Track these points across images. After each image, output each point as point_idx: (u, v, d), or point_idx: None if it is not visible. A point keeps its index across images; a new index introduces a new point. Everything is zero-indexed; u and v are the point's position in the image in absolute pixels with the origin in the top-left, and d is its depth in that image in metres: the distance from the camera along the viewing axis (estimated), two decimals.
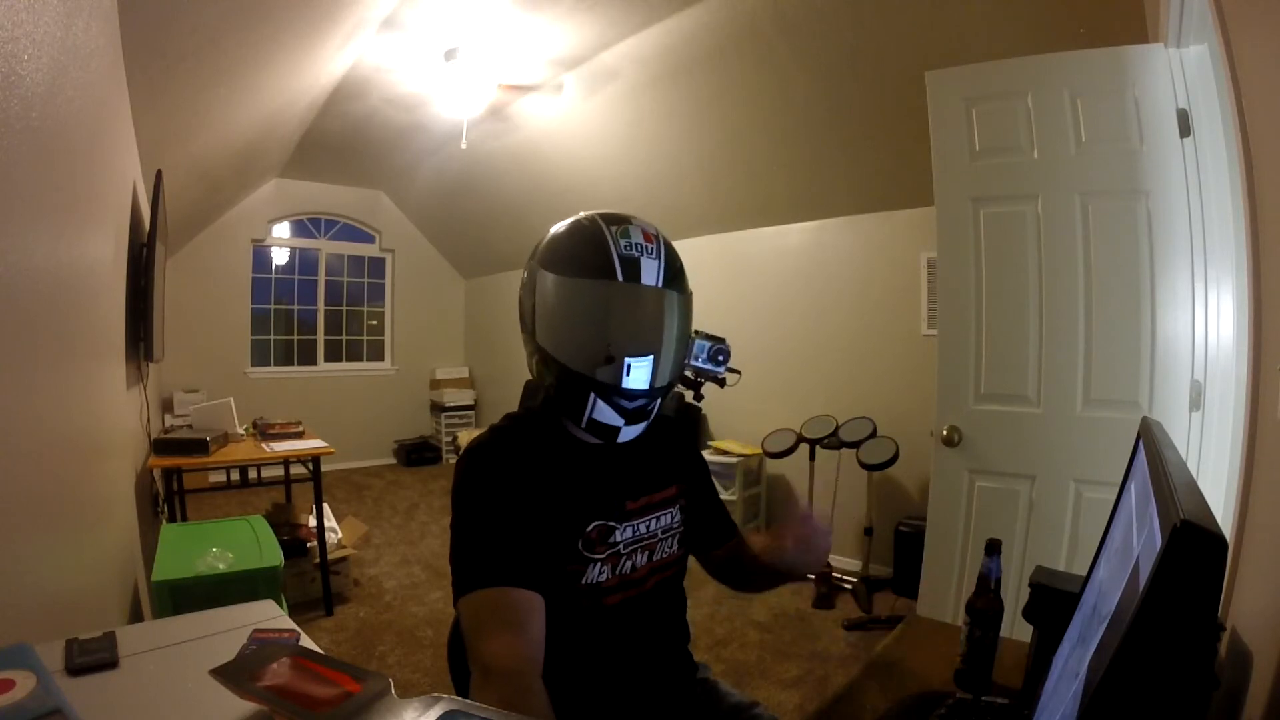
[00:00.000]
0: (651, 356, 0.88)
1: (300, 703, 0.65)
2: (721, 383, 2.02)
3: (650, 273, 0.86)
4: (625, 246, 0.86)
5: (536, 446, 0.92)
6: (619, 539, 0.94)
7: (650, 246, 0.88)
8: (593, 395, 0.87)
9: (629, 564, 0.95)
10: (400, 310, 6.60)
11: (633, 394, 0.87)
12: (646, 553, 0.97)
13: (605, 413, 0.88)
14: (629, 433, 0.91)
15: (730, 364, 1.98)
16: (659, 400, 0.92)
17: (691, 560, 1.10)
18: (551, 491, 0.89)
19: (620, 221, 0.89)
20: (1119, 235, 1.72)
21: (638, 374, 0.87)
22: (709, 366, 1.95)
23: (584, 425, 0.90)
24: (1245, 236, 1.11)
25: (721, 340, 1.96)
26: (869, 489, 3.34)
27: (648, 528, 0.97)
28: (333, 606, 2.96)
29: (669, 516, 1.00)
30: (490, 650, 0.75)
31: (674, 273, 0.90)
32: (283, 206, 5.83)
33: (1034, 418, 1.83)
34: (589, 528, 0.91)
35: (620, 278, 0.85)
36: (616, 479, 0.96)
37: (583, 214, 0.92)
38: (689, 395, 2.13)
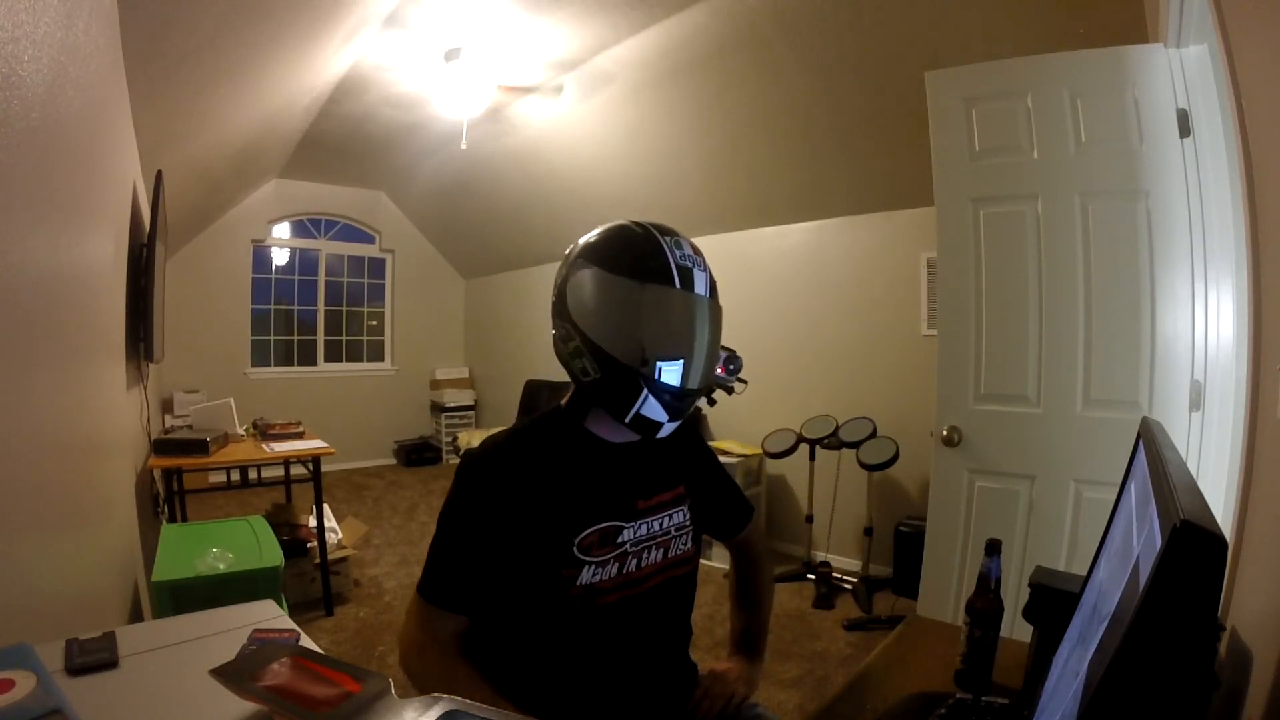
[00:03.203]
0: (701, 358, 0.94)
1: (300, 703, 0.65)
2: (730, 391, 2.11)
3: (701, 283, 0.93)
4: (680, 257, 0.92)
5: (537, 455, 0.95)
6: (626, 538, 0.96)
7: (698, 259, 0.94)
8: (645, 391, 0.91)
9: (635, 562, 0.97)
10: (400, 310, 6.59)
11: (683, 392, 0.93)
12: (661, 550, 1.01)
13: (653, 408, 0.93)
14: (667, 429, 0.95)
15: (740, 374, 2.08)
16: (696, 399, 0.98)
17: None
18: (545, 500, 0.92)
19: (670, 233, 0.94)
20: (1119, 235, 1.72)
21: (689, 373, 0.93)
22: (722, 375, 2.05)
23: (628, 420, 0.93)
24: (1245, 236, 1.11)
25: (733, 351, 2.05)
26: (869, 489, 3.34)
27: (660, 525, 1.01)
28: (333, 607, 2.96)
29: (680, 514, 1.04)
30: (406, 638, 0.93)
31: (714, 285, 0.97)
32: (283, 207, 5.82)
33: (1034, 418, 1.83)
34: (588, 531, 0.93)
35: (678, 285, 0.91)
36: (627, 479, 1.00)
37: (629, 220, 0.96)
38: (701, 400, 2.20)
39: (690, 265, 0.92)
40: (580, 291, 0.93)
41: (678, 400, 0.93)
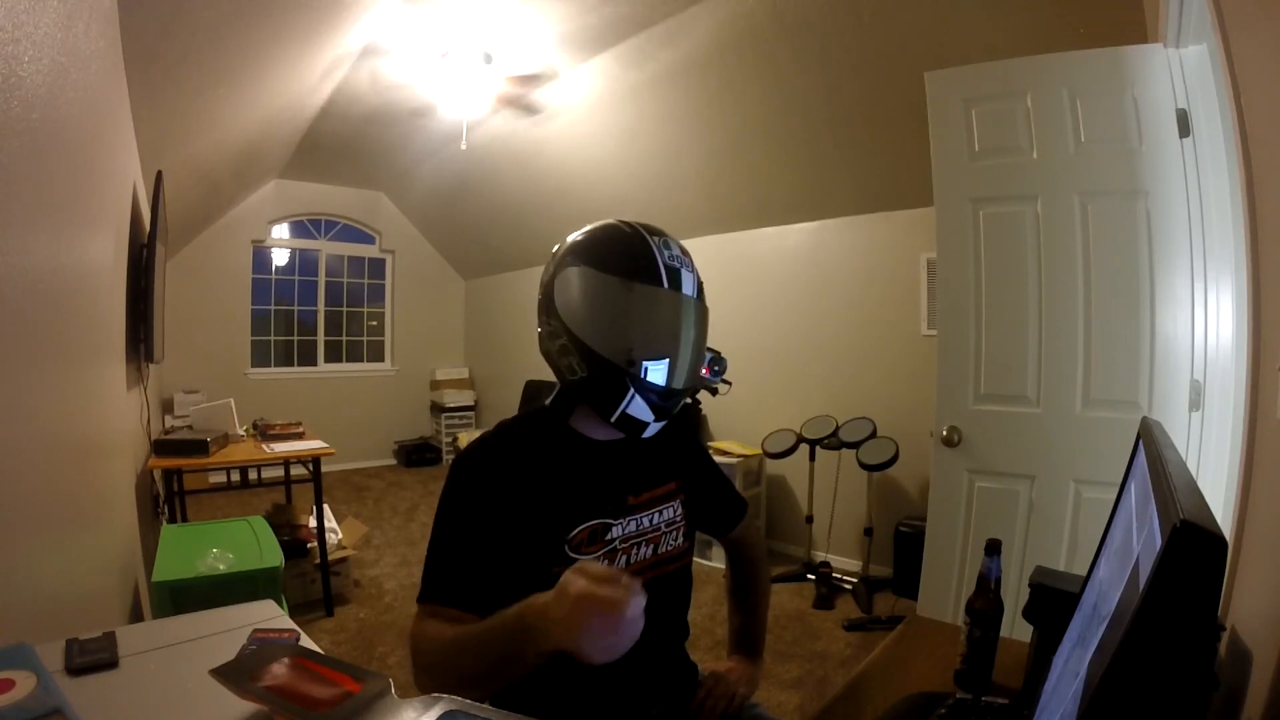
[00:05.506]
0: (687, 358, 0.95)
1: (300, 703, 0.65)
2: (714, 391, 2.13)
3: (688, 284, 0.94)
4: (669, 257, 0.92)
5: (525, 453, 0.95)
6: (616, 535, 0.96)
7: (686, 260, 0.95)
8: (631, 390, 0.91)
9: (624, 559, 0.97)
10: (400, 311, 6.60)
11: (668, 391, 0.93)
12: (651, 546, 1.00)
13: (639, 408, 0.93)
14: (653, 429, 0.95)
15: (725, 375, 2.09)
16: (682, 399, 0.97)
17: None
18: (535, 497, 0.92)
19: (658, 233, 0.95)
20: (1118, 235, 1.72)
21: (674, 373, 0.93)
22: (706, 376, 2.06)
23: (614, 419, 0.93)
24: (1245, 236, 1.11)
25: (719, 353, 2.07)
26: (869, 489, 3.34)
27: (650, 521, 1.01)
28: (333, 607, 2.96)
29: (671, 510, 1.04)
30: (419, 632, 0.85)
31: (701, 287, 0.97)
32: (283, 207, 5.83)
33: (1034, 418, 1.83)
34: (578, 529, 0.94)
35: (665, 285, 0.91)
36: (618, 475, 0.99)
37: (618, 220, 0.96)
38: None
39: (678, 266, 0.92)
40: (568, 289, 0.93)
41: (663, 400, 0.93)
